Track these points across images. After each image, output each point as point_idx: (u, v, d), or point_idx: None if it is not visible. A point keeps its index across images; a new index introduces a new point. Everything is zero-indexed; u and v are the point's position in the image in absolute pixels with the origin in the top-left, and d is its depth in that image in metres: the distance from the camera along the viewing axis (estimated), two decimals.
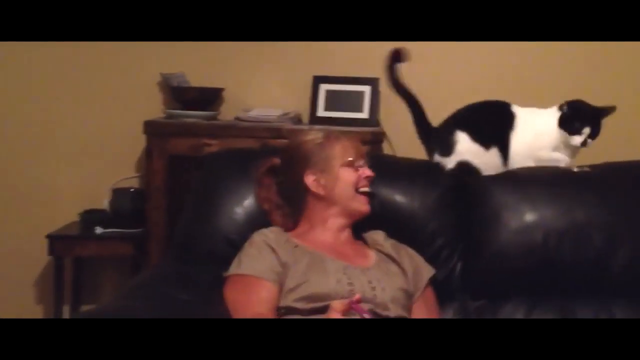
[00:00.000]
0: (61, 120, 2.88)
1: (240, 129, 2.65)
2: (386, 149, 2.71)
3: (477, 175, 2.05)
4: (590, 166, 2.04)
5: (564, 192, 1.95)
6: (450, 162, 2.06)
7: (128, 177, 2.85)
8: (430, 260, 1.87)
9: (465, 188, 2.00)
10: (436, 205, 1.95)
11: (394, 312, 1.67)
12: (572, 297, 1.90)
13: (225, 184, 1.96)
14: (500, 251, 1.90)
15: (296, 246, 1.75)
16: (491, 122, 2.10)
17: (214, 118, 2.79)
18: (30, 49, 2.80)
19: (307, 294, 1.64)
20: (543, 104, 2.12)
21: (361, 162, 1.82)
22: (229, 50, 2.80)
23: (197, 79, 2.81)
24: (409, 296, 1.75)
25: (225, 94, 2.86)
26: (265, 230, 1.79)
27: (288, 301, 1.65)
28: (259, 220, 1.86)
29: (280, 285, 1.67)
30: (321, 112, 2.77)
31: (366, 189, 1.81)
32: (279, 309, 1.66)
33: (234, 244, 1.82)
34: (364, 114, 2.75)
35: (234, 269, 1.73)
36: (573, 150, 2.06)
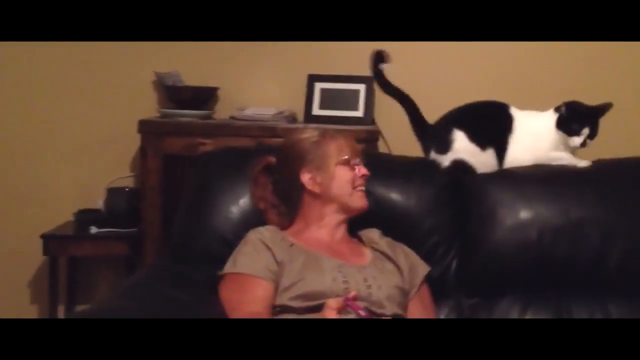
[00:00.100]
0: (55, 119, 2.88)
1: (235, 128, 2.64)
2: (381, 147, 2.71)
3: (473, 174, 2.05)
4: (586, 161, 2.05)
5: (559, 190, 1.95)
6: (446, 160, 2.06)
7: (123, 176, 2.84)
8: (426, 257, 1.87)
9: (460, 186, 2.01)
10: (432, 203, 1.95)
11: (389, 310, 1.67)
12: (568, 294, 1.90)
13: (220, 183, 1.96)
14: (495, 248, 1.90)
15: (292, 245, 1.74)
16: (490, 123, 2.09)
17: (209, 117, 2.79)
18: (23, 49, 2.79)
19: (303, 292, 1.63)
20: (539, 103, 2.12)
21: (357, 161, 1.83)
22: (224, 49, 2.80)
23: (192, 78, 2.81)
24: (404, 294, 1.75)
25: (220, 93, 2.86)
26: (261, 229, 1.79)
27: (283, 300, 1.65)
28: (254, 219, 1.86)
29: (276, 284, 1.67)
30: (316, 111, 2.77)
31: (362, 188, 1.81)
32: (274, 307, 1.65)
33: (229, 243, 1.82)
34: (359, 113, 2.75)
35: (229, 268, 1.73)
36: (572, 151, 2.06)
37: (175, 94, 2.78)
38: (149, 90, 2.88)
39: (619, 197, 1.95)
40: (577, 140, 2.01)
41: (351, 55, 2.80)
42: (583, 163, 2.03)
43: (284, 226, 1.83)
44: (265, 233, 1.77)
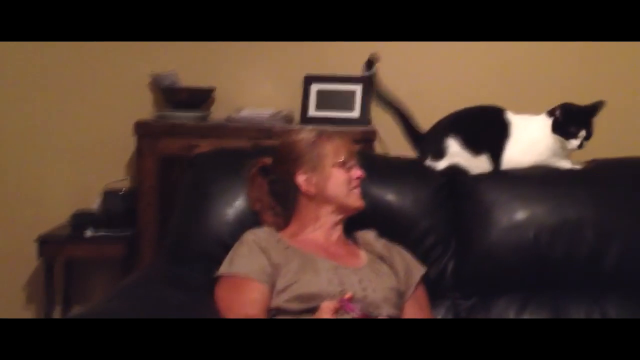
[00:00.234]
0: (51, 121, 2.87)
1: (231, 129, 2.64)
2: (378, 148, 2.71)
3: (468, 174, 2.04)
4: (581, 163, 2.05)
5: (555, 190, 1.96)
6: (440, 165, 2.05)
7: (119, 179, 2.83)
8: (422, 258, 1.87)
9: (456, 186, 2.00)
10: (427, 203, 1.95)
11: (385, 311, 1.66)
12: (564, 293, 1.91)
13: (216, 184, 1.95)
14: (491, 249, 1.90)
15: (287, 247, 1.74)
16: (485, 129, 2.07)
17: (205, 118, 2.78)
18: (18, 49, 2.78)
19: (298, 294, 1.63)
20: (536, 104, 2.11)
21: (352, 163, 1.82)
22: (220, 50, 2.79)
23: (188, 79, 2.81)
24: (400, 295, 1.75)
25: (216, 94, 2.86)
26: (256, 230, 1.79)
27: (279, 302, 1.64)
28: (250, 221, 1.86)
29: (271, 286, 1.66)
30: (312, 112, 2.77)
31: (357, 189, 1.81)
32: (269, 310, 1.65)
33: (225, 245, 1.81)
34: (355, 113, 2.74)
35: (225, 269, 1.72)
36: (568, 154, 2.05)
37: (172, 96, 2.77)
38: (145, 91, 2.87)
39: (615, 196, 1.95)
40: (574, 143, 2.01)
41: (347, 56, 2.80)
42: (575, 165, 2.03)
43: (280, 227, 1.83)
44: (261, 234, 1.76)
